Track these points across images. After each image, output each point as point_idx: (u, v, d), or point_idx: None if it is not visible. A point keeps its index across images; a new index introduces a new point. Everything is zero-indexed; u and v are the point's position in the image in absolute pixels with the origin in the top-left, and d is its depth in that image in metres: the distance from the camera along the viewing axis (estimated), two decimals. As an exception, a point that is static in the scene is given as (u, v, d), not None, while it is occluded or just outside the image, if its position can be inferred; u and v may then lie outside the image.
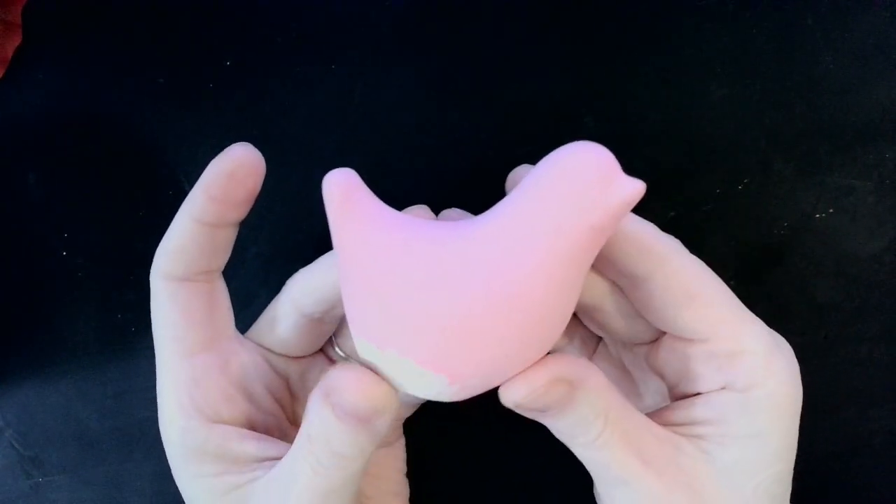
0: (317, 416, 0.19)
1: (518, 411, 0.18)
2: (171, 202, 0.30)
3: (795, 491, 0.20)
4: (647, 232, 0.20)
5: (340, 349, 0.25)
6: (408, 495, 0.26)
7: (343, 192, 0.18)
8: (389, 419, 0.19)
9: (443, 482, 0.28)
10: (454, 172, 0.29)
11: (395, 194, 0.29)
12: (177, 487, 0.22)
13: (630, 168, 0.25)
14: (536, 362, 0.18)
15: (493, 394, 0.18)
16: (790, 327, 0.20)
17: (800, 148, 0.27)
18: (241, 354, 0.23)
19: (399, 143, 0.29)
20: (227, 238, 0.21)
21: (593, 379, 0.18)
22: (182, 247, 0.21)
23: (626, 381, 0.24)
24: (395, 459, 0.25)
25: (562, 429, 0.19)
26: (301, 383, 0.25)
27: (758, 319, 0.20)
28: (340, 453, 0.19)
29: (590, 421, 0.18)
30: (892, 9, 0.27)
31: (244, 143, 0.20)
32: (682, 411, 0.21)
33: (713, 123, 0.27)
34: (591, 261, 0.18)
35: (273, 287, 0.29)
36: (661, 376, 0.22)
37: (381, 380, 0.18)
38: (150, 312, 0.30)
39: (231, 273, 0.30)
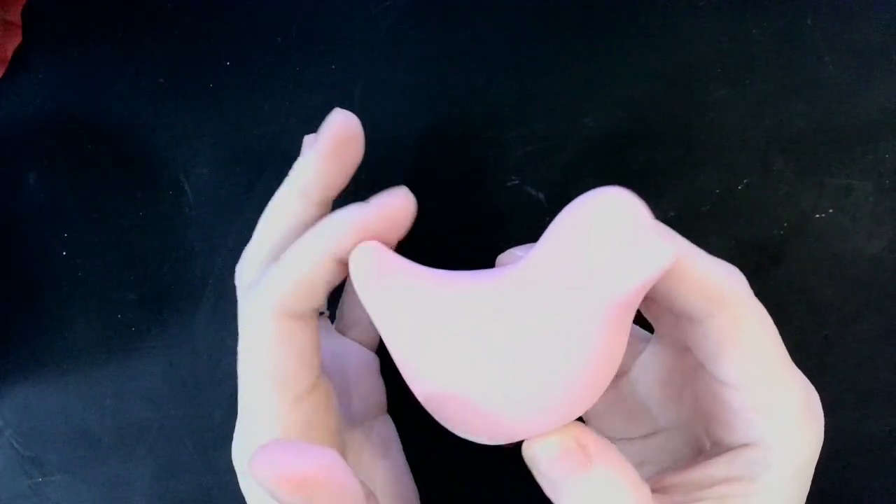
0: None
1: (537, 476, 0.18)
2: (171, 202, 0.30)
3: None
4: (713, 274, 0.18)
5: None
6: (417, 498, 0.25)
7: (379, 266, 0.18)
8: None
9: (447, 485, 0.28)
10: (454, 172, 0.29)
11: (395, 194, 0.29)
12: (177, 487, 0.22)
13: (630, 168, 0.25)
14: (559, 428, 0.18)
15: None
16: (790, 327, 0.20)
17: (800, 148, 0.27)
18: (328, 383, 0.21)
19: (399, 143, 0.29)
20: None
21: (613, 459, 0.18)
22: (311, 281, 0.19)
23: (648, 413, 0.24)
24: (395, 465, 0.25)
25: None
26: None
27: (798, 373, 0.20)
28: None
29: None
30: (892, 9, 0.27)
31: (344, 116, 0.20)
32: (703, 471, 0.20)
33: (713, 123, 0.27)
34: (632, 317, 0.17)
35: (273, 287, 0.29)
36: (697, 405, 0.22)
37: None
38: (150, 313, 0.30)
39: (231, 273, 0.30)
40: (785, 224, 0.27)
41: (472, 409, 0.17)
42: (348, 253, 0.18)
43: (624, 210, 0.16)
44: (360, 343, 0.26)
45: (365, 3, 0.29)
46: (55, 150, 0.31)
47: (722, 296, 0.18)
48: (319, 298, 0.19)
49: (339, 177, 0.21)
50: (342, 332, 0.27)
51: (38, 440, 0.30)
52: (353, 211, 0.19)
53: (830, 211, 0.27)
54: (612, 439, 0.23)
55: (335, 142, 0.21)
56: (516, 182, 0.28)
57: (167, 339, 0.30)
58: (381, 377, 0.27)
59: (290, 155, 0.30)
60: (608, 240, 0.15)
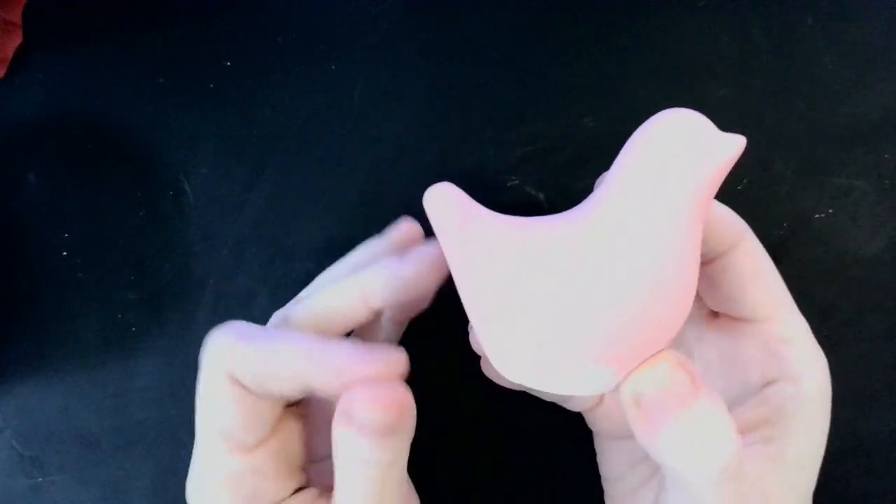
0: (346, 446, 0.18)
1: (635, 419, 0.17)
2: (171, 202, 0.30)
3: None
4: (729, 211, 0.20)
5: None
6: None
7: (459, 212, 0.17)
8: (413, 420, 0.18)
9: (446, 483, 0.28)
10: (454, 172, 0.29)
11: (395, 195, 0.29)
12: (177, 487, 0.22)
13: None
14: (653, 357, 0.17)
15: (491, 398, 0.18)
16: (790, 327, 0.20)
17: (800, 148, 0.27)
18: (289, 422, 0.22)
19: (399, 143, 0.29)
20: None
21: (713, 388, 0.17)
22: (276, 375, 0.18)
23: None
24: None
25: (685, 452, 0.16)
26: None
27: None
28: (381, 461, 0.18)
29: (721, 444, 0.16)
30: (892, 9, 0.27)
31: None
32: (740, 417, 0.20)
33: (713, 123, 0.27)
34: (705, 216, 0.18)
35: (272, 287, 0.29)
36: (707, 366, 0.22)
37: (394, 385, 0.18)
38: (150, 313, 0.30)
39: (231, 273, 0.30)
40: (785, 224, 0.27)
41: (557, 349, 0.17)
42: (322, 389, 0.18)
43: (688, 120, 0.18)
44: None
45: (365, 3, 0.29)
46: (55, 150, 0.31)
47: (738, 228, 0.20)
48: (273, 394, 0.19)
49: (408, 303, 0.21)
50: None
51: (38, 440, 0.30)
52: (342, 353, 0.18)
53: (830, 211, 0.27)
54: (622, 437, 0.23)
55: (419, 275, 0.20)
56: (516, 182, 0.28)
57: (167, 339, 0.30)
58: None
59: (290, 155, 0.30)
60: (680, 144, 0.17)
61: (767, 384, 0.20)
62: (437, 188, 0.18)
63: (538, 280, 0.17)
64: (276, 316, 0.23)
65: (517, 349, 0.17)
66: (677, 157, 0.17)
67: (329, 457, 0.24)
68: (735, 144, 0.17)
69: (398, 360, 0.19)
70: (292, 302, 0.24)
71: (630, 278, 0.16)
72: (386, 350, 0.19)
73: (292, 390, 0.19)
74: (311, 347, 0.18)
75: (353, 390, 0.18)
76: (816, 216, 0.27)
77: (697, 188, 0.17)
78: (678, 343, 0.23)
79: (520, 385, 0.19)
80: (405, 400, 0.18)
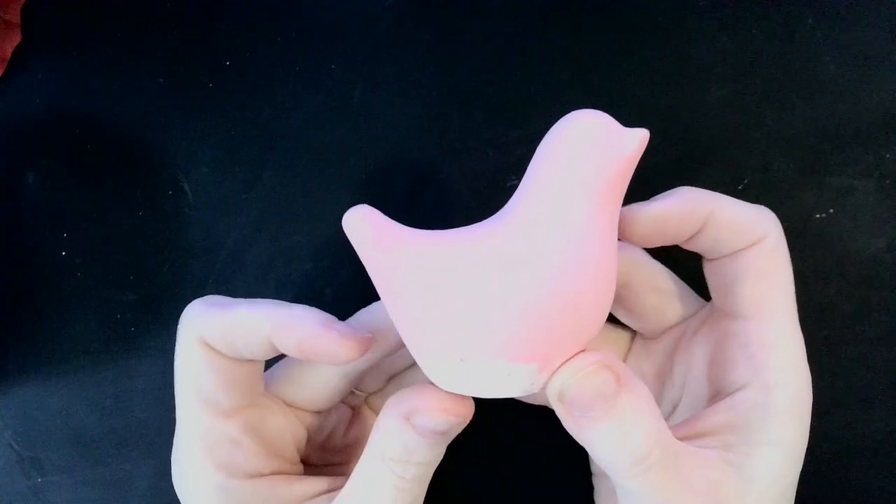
0: (397, 437, 0.19)
1: (561, 413, 0.18)
2: (171, 202, 0.30)
3: (796, 491, 0.20)
4: (743, 213, 0.20)
5: (358, 389, 0.25)
6: None
7: (373, 229, 0.18)
8: (466, 423, 0.19)
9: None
10: (454, 172, 0.29)
11: (395, 194, 0.29)
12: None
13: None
14: (578, 353, 0.18)
15: (486, 400, 0.18)
16: (790, 327, 0.20)
17: (800, 148, 0.27)
18: (275, 412, 0.22)
19: (399, 142, 0.29)
20: None
21: (638, 383, 0.18)
22: (240, 344, 0.20)
23: None
24: None
25: (606, 445, 0.17)
26: (318, 428, 0.24)
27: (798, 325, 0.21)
28: (423, 463, 0.19)
29: (637, 438, 0.17)
30: (892, 9, 0.27)
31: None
32: (706, 420, 0.20)
33: (713, 123, 0.27)
34: (619, 210, 0.19)
35: (272, 287, 0.29)
36: (693, 363, 0.22)
37: (460, 395, 0.19)
38: (150, 313, 0.30)
39: (231, 273, 0.30)
40: (785, 224, 0.27)
41: (482, 352, 0.17)
42: (282, 345, 0.20)
43: (590, 120, 0.18)
44: None
45: (365, 3, 0.29)
46: (55, 150, 0.31)
47: (753, 231, 0.20)
48: (244, 355, 0.20)
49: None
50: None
51: (38, 440, 0.30)
52: (312, 325, 0.19)
53: (831, 211, 0.27)
54: None
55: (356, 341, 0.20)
56: (516, 182, 0.28)
57: (167, 339, 0.30)
58: None
59: (290, 155, 0.30)
60: (583, 144, 0.18)
61: (738, 388, 0.20)
62: (353, 209, 0.18)
63: (451, 287, 0.17)
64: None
65: (441, 358, 0.18)
66: (580, 157, 0.18)
67: (319, 465, 0.24)
68: (636, 139, 0.18)
69: (344, 345, 0.19)
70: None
71: (540, 279, 0.17)
72: (350, 332, 0.20)
73: (259, 350, 0.20)
74: (272, 311, 0.20)
75: (420, 392, 0.19)
76: (816, 216, 0.27)
77: (602, 185, 0.18)
78: (674, 340, 0.23)
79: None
80: (469, 406, 0.19)
